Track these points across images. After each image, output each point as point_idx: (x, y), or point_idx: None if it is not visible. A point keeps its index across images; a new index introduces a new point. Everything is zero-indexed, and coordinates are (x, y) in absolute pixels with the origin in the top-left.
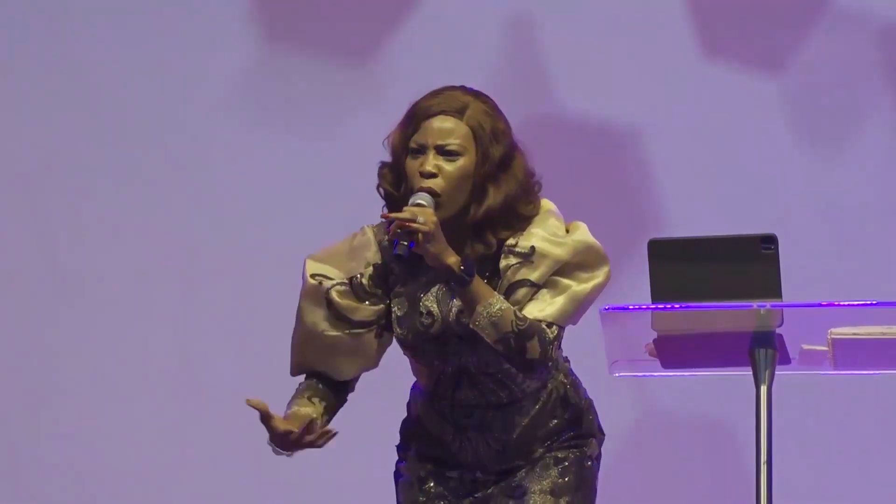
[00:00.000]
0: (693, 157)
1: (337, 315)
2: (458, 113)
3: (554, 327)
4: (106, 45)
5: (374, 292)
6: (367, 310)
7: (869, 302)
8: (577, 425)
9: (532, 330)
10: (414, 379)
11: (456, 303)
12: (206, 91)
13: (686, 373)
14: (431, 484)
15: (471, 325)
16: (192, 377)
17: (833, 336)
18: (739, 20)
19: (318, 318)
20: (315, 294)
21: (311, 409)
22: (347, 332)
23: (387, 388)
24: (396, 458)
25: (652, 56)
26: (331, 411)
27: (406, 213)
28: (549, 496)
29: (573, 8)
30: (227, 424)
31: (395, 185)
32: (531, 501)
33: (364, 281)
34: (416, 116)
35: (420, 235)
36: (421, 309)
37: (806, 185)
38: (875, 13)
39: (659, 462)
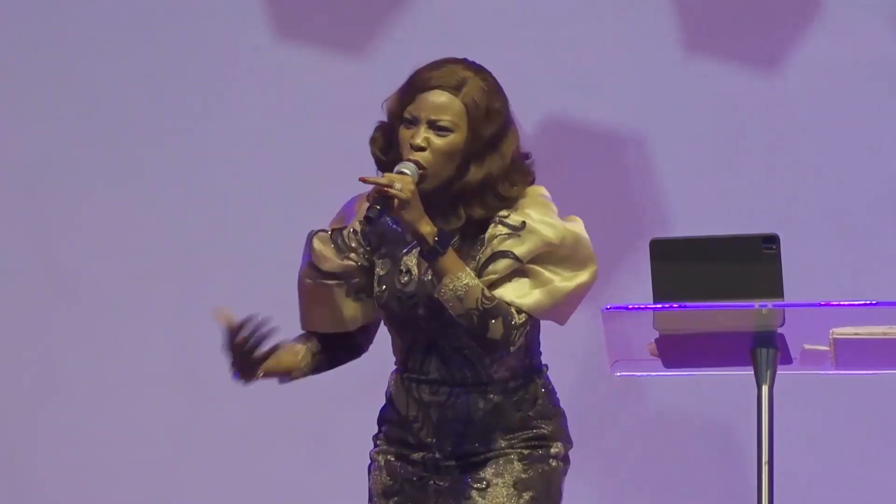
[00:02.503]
0: (694, 156)
1: (311, 263)
2: (455, 89)
3: (523, 315)
4: (105, 43)
5: (352, 247)
6: (335, 262)
7: (870, 302)
8: (542, 426)
9: (498, 310)
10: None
11: None
12: (206, 90)
13: (687, 372)
14: (398, 466)
15: (436, 295)
16: (192, 377)
17: (835, 336)
18: (740, 18)
19: (304, 264)
20: (307, 240)
21: (292, 355)
22: (316, 280)
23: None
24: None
25: (652, 56)
26: (317, 359)
27: (384, 178)
28: (512, 489)
29: (572, 7)
30: (227, 424)
31: (384, 149)
32: (495, 493)
33: (345, 234)
34: (413, 87)
35: (395, 202)
36: (401, 267)
37: (808, 184)
38: (876, 10)
39: (659, 462)
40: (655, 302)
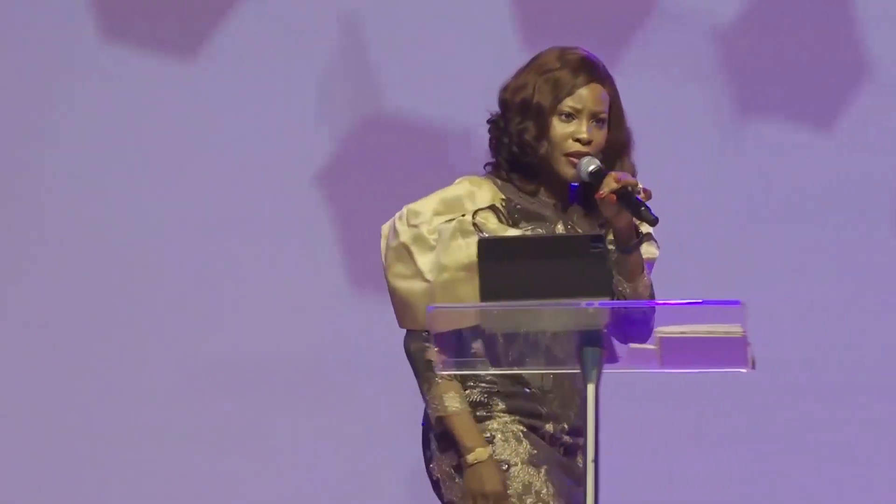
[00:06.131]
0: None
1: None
2: (607, 83)
3: None
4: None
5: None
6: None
7: (696, 301)
8: None
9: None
10: None
11: None
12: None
13: (517, 370)
14: (533, 436)
15: (629, 291)
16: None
17: (659, 334)
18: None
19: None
20: (461, 227)
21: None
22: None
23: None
24: None
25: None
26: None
27: (632, 179)
28: None
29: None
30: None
31: (537, 140)
32: None
33: (478, 220)
34: (565, 80)
35: (643, 195)
36: None
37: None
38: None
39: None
40: (483, 301)
